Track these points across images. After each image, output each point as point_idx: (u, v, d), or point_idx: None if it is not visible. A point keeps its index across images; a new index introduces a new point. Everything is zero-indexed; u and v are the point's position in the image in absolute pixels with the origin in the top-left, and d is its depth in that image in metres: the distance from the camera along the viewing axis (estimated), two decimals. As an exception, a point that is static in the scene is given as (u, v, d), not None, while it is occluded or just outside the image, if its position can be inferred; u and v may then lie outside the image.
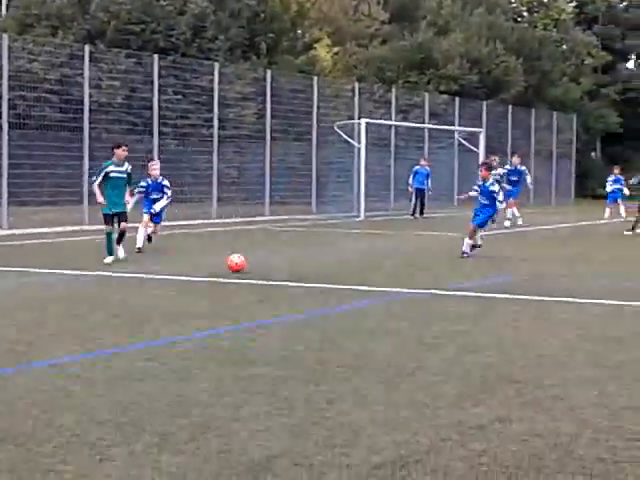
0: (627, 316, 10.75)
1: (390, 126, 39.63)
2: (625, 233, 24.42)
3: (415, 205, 33.53)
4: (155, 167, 18.70)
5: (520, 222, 28.16)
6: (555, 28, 53.54)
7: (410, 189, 33.92)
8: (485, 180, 17.71)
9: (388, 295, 12.20)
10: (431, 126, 41.61)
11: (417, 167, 33.95)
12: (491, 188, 17.62)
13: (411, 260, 17.42)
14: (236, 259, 14.17)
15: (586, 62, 56.39)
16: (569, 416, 6.11)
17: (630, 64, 67.47)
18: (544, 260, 17.54)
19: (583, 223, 30.68)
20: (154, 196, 18.37)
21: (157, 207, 18.41)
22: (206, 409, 6.17)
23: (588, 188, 57.86)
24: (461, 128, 42.24)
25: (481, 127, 42.28)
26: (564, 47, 55.35)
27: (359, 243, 22.10)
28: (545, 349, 8.45)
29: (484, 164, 18.88)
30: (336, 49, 54.10)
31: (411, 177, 33.77)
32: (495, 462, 5.11)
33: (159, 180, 18.50)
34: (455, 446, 5.42)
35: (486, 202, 17.72)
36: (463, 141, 41.23)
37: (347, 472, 4.92)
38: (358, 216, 32.73)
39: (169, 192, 18.60)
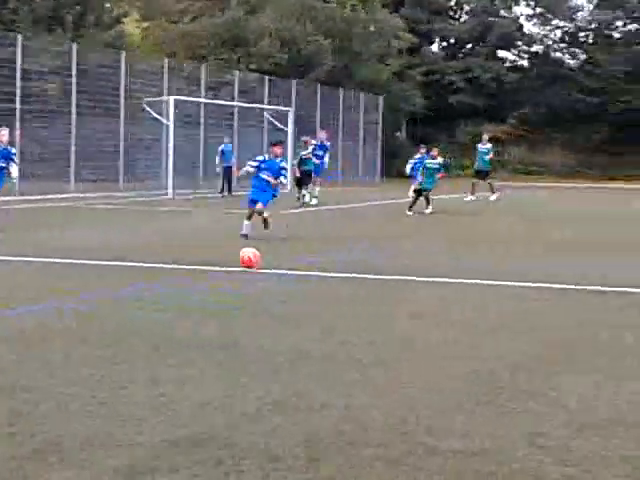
0: (442, 292, 11.04)
1: (199, 104, 39.39)
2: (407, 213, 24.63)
3: (223, 183, 33.62)
4: (4, 133, 18.13)
5: (308, 200, 27.79)
6: (363, 9, 54.33)
7: (218, 168, 34.02)
8: (277, 157, 17.38)
9: (199, 274, 12.13)
10: (241, 104, 41.60)
11: (223, 145, 34.17)
12: (282, 165, 17.38)
13: (220, 238, 17.38)
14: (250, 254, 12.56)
15: (393, 44, 57.54)
16: (364, 389, 6.25)
17: (434, 47, 69.43)
18: (354, 238, 17.86)
19: (392, 201, 31.41)
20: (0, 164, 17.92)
21: (15, 174, 18.12)
22: (-2, 391, 6.00)
23: (395, 167, 59.22)
24: (271, 107, 42.43)
25: (290, 106, 42.61)
26: (372, 28, 56.30)
27: (167, 221, 21.90)
28: (351, 326, 8.60)
29: (280, 142, 18.78)
30: (146, 24, 53.21)
31: (218, 156, 33.90)
32: (289, 436, 5.19)
33: (8, 147, 18.08)
34: (252, 421, 5.46)
35: (268, 178, 17.13)
36: (273, 120, 41.46)
37: (142, 449, 4.88)
38: (167, 194, 32.43)
39: (15, 158, 18.39)
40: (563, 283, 11.49)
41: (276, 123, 40.93)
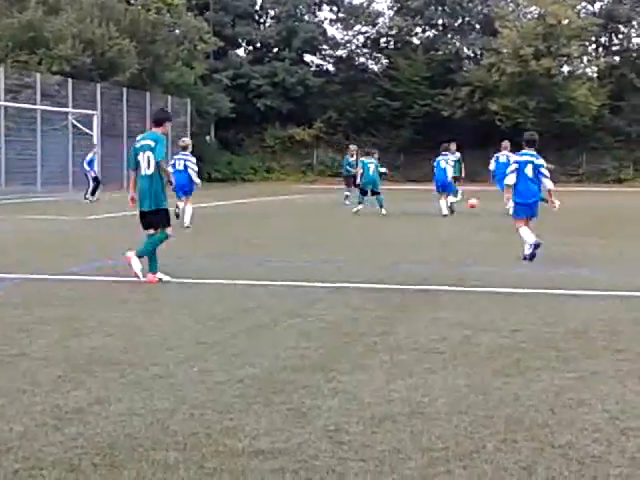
0: (232, 294, 11.03)
1: (-2, 107, 38.14)
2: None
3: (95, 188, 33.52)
4: None
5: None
6: (168, 13, 53.89)
7: (92, 173, 33.60)
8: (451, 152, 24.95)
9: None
10: (44, 107, 40.51)
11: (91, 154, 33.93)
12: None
13: (24, 243, 16.88)
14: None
15: (199, 47, 57.37)
16: (167, 394, 6.21)
17: (240, 51, 69.61)
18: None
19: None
20: None
21: None
22: None
23: (203, 172, 58.98)
24: (75, 110, 41.51)
25: (96, 110, 41.83)
26: (177, 32, 55.97)
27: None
28: (152, 329, 8.52)
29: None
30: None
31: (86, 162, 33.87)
32: (90, 444, 5.11)
33: None
34: (51, 431, 5.34)
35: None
36: (77, 123, 40.60)
37: None
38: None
39: None
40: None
41: (81, 127, 40.09)
